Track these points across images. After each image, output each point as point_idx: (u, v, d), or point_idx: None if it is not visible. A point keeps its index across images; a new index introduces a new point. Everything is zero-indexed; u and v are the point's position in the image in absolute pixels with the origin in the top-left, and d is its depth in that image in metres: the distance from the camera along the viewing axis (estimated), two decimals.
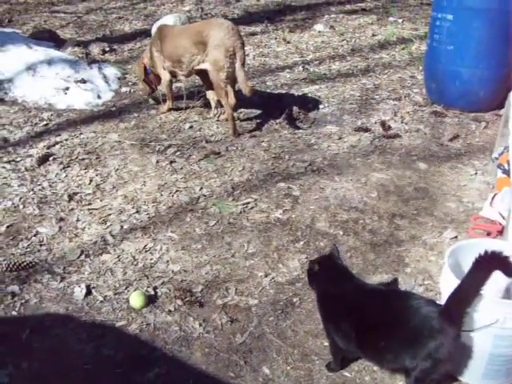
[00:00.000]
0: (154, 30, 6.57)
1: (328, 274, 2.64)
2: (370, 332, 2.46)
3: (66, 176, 4.33)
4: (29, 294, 3.16)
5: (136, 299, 3.07)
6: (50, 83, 5.69)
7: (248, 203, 3.96)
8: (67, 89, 5.68)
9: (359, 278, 2.73)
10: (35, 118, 5.28)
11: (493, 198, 3.65)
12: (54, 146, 4.78)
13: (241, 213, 3.86)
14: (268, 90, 5.89)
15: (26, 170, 4.41)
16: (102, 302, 3.13)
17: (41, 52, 6.08)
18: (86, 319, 3.01)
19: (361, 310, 2.49)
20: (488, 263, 2.29)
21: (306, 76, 6.30)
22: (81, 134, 5.01)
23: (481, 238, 3.35)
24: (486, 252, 2.29)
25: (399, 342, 2.40)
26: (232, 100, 4.93)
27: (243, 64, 4.84)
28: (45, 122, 5.20)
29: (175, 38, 5.07)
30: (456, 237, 3.58)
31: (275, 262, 3.41)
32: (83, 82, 5.82)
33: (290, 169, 4.41)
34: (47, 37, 6.90)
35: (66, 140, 4.89)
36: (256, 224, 3.75)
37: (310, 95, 5.76)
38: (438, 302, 2.50)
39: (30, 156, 4.59)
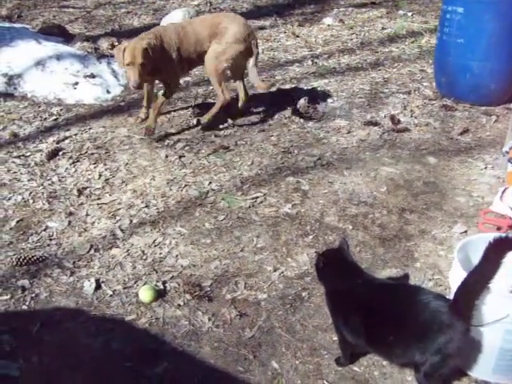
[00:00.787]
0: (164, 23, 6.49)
1: (336, 268, 2.64)
2: (379, 327, 2.46)
3: (76, 171, 4.34)
4: (39, 289, 3.17)
5: (145, 293, 3.08)
6: (59, 78, 5.70)
7: (257, 197, 3.96)
8: (76, 84, 5.68)
9: (368, 273, 2.72)
10: (45, 112, 5.29)
11: (503, 193, 3.63)
12: (63, 140, 4.80)
13: (250, 207, 3.86)
14: (277, 84, 5.87)
15: (36, 164, 4.42)
16: (111, 296, 3.14)
17: (50, 47, 6.09)
18: (95, 313, 3.02)
19: (370, 304, 2.49)
20: (498, 250, 2.26)
21: (315, 70, 6.28)
22: (90, 128, 5.02)
23: (491, 232, 3.33)
24: (494, 239, 2.27)
25: (408, 337, 2.40)
26: (228, 95, 4.94)
27: (256, 63, 4.88)
28: (54, 117, 5.21)
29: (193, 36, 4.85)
30: (466, 231, 3.56)
31: (284, 256, 3.41)
32: (92, 76, 5.82)
33: (299, 163, 4.41)
34: (56, 32, 6.91)
35: (76, 135, 4.90)
36: (265, 218, 3.74)
37: (319, 89, 5.75)
38: (447, 296, 2.49)
39: (40, 151, 4.61)
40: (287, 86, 5.82)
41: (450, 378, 2.57)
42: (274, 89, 5.71)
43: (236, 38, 4.76)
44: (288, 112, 5.23)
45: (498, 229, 3.48)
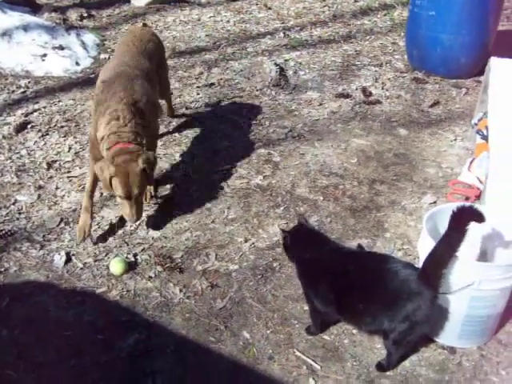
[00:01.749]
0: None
1: (303, 240, 2.65)
2: (349, 295, 2.49)
3: (45, 144, 4.28)
4: (8, 263, 3.14)
5: (116, 266, 3.07)
6: (27, 50, 5.58)
7: (228, 169, 3.96)
8: (45, 55, 5.58)
9: (336, 242, 2.75)
10: (12, 85, 5.19)
11: (471, 163, 3.68)
12: (32, 113, 4.71)
13: (221, 179, 3.85)
14: (249, 57, 5.83)
15: (4, 137, 4.34)
16: (81, 268, 3.12)
17: (16, 17, 5.95)
18: (66, 286, 3.01)
19: (339, 272, 2.51)
20: (461, 219, 2.30)
21: (286, 42, 6.24)
22: (59, 101, 4.94)
23: (459, 202, 3.38)
24: (457, 209, 2.30)
25: (378, 305, 2.44)
26: None
27: None
28: (22, 90, 5.11)
29: None
30: (435, 202, 3.60)
31: (255, 227, 3.42)
32: (61, 48, 5.71)
33: (270, 135, 4.40)
34: (22, 1, 6.73)
35: (45, 107, 4.82)
36: (236, 190, 3.74)
37: (290, 61, 5.72)
38: (416, 265, 2.52)
39: (8, 124, 4.53)
40: (259, 59, 5.78)
41: (417, 344, 2.62)
42: (245, 61, 5.67)
43: None
44: (259, 84, 5.20)
45: (467, 199, 3.53)
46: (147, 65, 3.75)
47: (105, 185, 3.19)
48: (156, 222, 3.46)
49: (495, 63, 3.91)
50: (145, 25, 4.80)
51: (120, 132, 3.21)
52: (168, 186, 3.79)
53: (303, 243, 2.64)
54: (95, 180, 3.39)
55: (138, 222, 3.40)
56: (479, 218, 2.30)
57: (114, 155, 3.13)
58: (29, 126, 4.50)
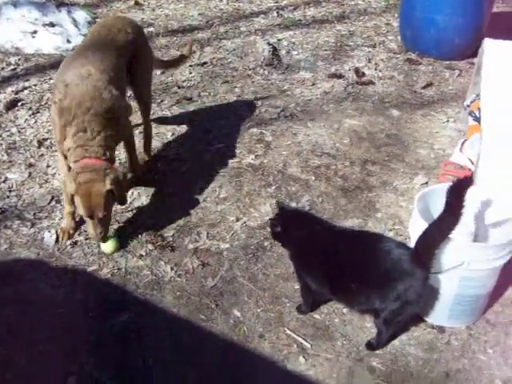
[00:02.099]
0: None
1: (294, 222, 2.63)
2: (341, 274, 2.50)
3: (36, 122, 4.24)
4: None
5: (108, 244, 3.06)
6: (17, 26, 5.50)
7: (220, 148, 3.94)
8: (35, 32, 5.50)
9: (327, 221, 2.75)
10: (2, 62, 5.12)
11: (462, 144, 3.68)
12: (22, 91, 4.66)
13: (213, 158, 3.84)
14: (242, 36, 5.78)
15: None
16: (72, 247, 3.12)
17: None
18: (57, 264, 3.00)
19: (332, 252, 2.52)
20: (458, 193, 2.28)
21: (280, 22, 6.18)
22: (50, 79, 4.88)
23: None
24: (452, 184, 2.30)
25: (370, 284, 2.45)
26: None
27: None
28: (12, 67, 5.05)
29: None
30: (427, 183, 3.61)
31: (247, 206, 3.42)
32: (52, 25, 5.64)
33: (262, 114, 4.39)
34: None
35: (35, 85, 4.77)
36: (228, 169, 3.74)
37: (284, 41, 5.68)
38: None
39: None
40: (252, 38, 5.73)
41: (407, 323, 2.64)
42: (238, 40, 5.63)
43: None
44: (252, 63, 5.17)
45: None
46: (114, 61, 3.27)
47: (67, 200, 3.10)
48: (147, 201, 3.45)
49: (489, 45, 3.90)
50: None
51: (87, 146, 2.98)
52: (159, 165, 3.77)
53: (294, 225, 2.63)
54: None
55: (130, 201, 3.39)
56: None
57: (78, 171, 2.91)
58: (19, 104, 4.45)
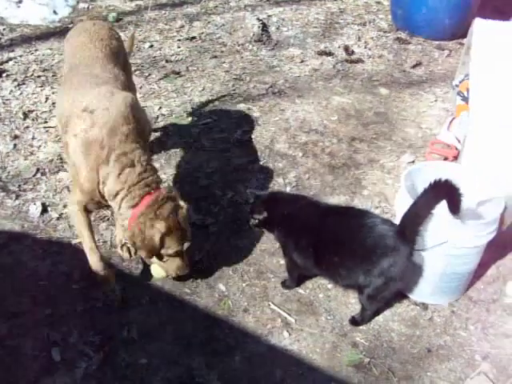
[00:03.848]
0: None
1: (278, 202, 2.65)
2: (327, 248, 2.51)
3: (21, 93, 4.19)
4: None
5: (156, 267, 2.67)
6: None
7: (208, 123, 3.93)
8: (20, 2, 5.41)
9: (313, 198, 2.76)
10: None
11: (450, 122, 3.68)
12: (7, 62, 4.59)
13: (200, 133, 3.82)
14: (231, 11, 5.72)
15: None
16: (58, 219, 3.10)
17: None
18: (41, 236, 2.98)
19: (318, 226, 2.53)
20: (440, 189, 2.33)
21: None
22: (36, 50, 4.82)
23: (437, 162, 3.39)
24: (440, 179, 2.32)
25: (354, 259, 2.46)
26: None
27: None
28: None
29: None
30: (413, 161, 3.62)
31: (234, 181, 3.41)
32: None
33: (250, 90, 4.37)
34: None
35: (21, 56, 4.70)
36: (215, 144, 3.72)
37: (273, 17, 5.63)
38: None
39: None
40: (241, 14, 5.68)
41: (391, 300, 2.66)
42: (227, 15, 5.58)
43: None
44: (241, 39, 5.13)
45: (445, 159, 3.54)
46: (117, 71, 2.91)
47: (149, 249, 2.51)
48: None
49: (479, 24, 3.88)
50: None
51: (143, 180, 2.51)
52: None
53: (278, 205, 2.63)
54: (90, 228, 2.65)
55: None
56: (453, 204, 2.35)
57: (154, 210, 2.47)
58: (4, 75, 4.39)
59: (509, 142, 2.83)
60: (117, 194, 2.49)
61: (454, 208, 2.34)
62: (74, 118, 2.54)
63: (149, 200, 2.48)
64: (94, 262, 2.62)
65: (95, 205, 2.63)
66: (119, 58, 3.06)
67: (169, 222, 2.47)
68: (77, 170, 2.52)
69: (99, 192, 2.52)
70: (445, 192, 2.34)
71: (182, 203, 2.58)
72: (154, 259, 2.57)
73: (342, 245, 2.47)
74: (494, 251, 2.82)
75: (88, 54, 2.90)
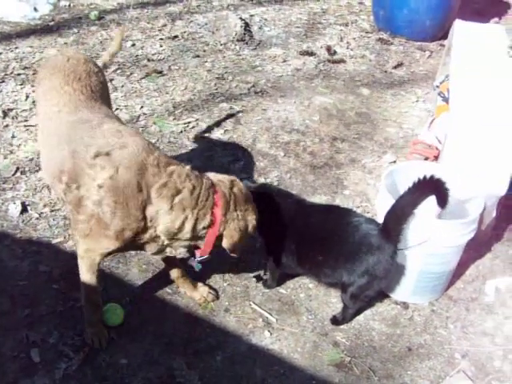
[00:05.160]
0: None
1: (263, 200, 2.58)
2: (310, 246, 2.52)
3: (1, 91, 4.14)
4: None
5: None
6: None
7: (189, 123, 3.92)
8: None
9: (298, 196, 2.76)
10: None
11: (431, 123, 3.71)
12: None
13: (182, 132, 3.82)
14: (214, 11, 5.72)
15: None
16: (37, 218, 3.07)
17: None
18: (21, 236, 2.95)
19: (302, 224, 2.54)
20: (426, 186, 2.34)
21: None
22: (16, 48, 4.78)
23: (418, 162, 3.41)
24: (425, 176, 2.34)
25: (338, 257, 2.47)
26: None
27: None
28: None
29: None
30: (395, 161, 3.65)
31: None
32: None
33: (232, 90, 4.36)
34: None
35: (0, 54, 4.65)
36: (197, 143, 3.71)
37: (256, 17, 5.64)
38: None
39: None
40: (224, 13, 5.67)
41: (372, 299, 2.67)
42: (210, 14, 5.57)
43: None
44: (224, 38, 5.12)
45: (426, 159, 3.56)
46: (105, 109, 2.61)
47: (245, 236, 2.42)
48: None
49: (459, 26, 3.92)
50: None
51: (199, 197, 2.27)
52: None
53: (263, 202, 2.60)
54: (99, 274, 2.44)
55: None
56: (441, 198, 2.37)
57: (235, 209, 2.35)
58: None
59: (488, 141, 2.85)
60: (182, 227, 2.26)
61: (442, 202, 2.36)
62: (84, 169, 2.24)
63: (220, 210, 2.29)
64: (95, 321, 2.46)
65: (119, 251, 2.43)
66: (103, 93, 2.73)
67: (254, 207, 2.41)
68: (106, 221, 2.21)
69: (143, 234, 2.27)
70: (432, 187, 2.34)
71: (235, 180, 2.42)
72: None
73: (326, 243, 2.48)
74: (473, 250, 2.84)
75: (68, 98, 2.51)
